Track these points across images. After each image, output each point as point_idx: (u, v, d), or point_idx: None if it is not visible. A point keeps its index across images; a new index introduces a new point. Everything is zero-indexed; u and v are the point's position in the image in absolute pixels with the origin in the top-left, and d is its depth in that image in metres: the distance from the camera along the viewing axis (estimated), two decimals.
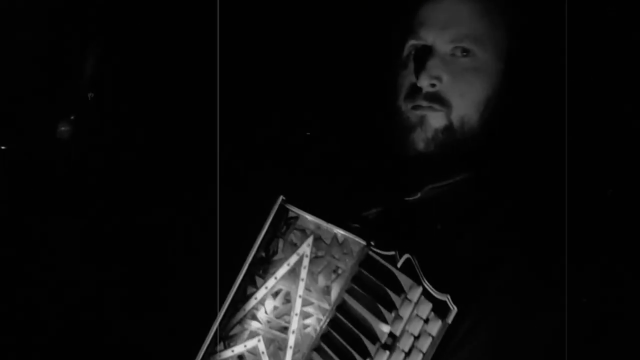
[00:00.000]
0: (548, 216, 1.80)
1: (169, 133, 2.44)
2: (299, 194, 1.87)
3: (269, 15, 2.45)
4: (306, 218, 1.85)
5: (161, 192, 2.37)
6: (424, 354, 1.62)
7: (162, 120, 2.45)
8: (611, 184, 1.88)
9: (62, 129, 2.41)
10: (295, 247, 1.85)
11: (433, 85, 1.91)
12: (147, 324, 2.23)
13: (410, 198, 1.97)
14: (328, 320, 1.80)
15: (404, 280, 1.69)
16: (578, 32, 2.01)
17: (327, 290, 1.82)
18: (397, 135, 1.99)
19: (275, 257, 1.87)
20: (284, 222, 1.87)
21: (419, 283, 1.66)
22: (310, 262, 1.83)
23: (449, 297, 1.60)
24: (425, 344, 1.62)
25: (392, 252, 1.73)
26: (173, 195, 2.36)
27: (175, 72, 2.46)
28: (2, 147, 2.35)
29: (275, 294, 1.86)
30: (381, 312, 1.69)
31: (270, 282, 1.85)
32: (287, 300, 1.86)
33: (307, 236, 1.84)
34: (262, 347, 1.85)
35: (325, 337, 1.80)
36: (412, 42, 1.99)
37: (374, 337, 1.69)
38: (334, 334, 1.78)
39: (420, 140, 1.94)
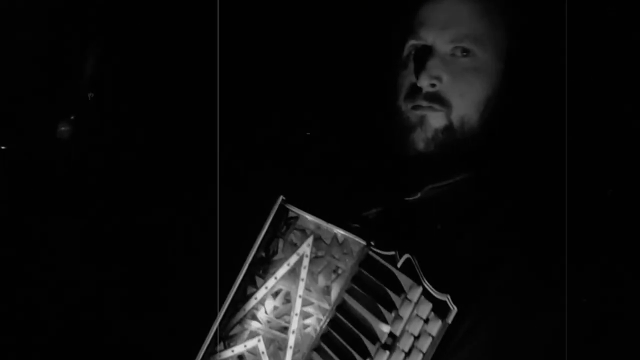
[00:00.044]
0: (548, 216, 1.80)
1: (169, 133, 2.44)
2: (299, 194, 1.87)
3: (269, 15, 2.45)
4: (306, 218, 1.85)
5: (161, 192, 2.37)
6: (424, 354, 1.62)
7: (162, 120, 2.45)
8: (611, 184, 1.88)
9: (62, 129, 2.41)
10: (295, 247, 1.85)
11: (433, 85, 1.91)
12: (147, 324, 2.23)
13: (410, 198, 1.97)
14: (328, 320, 1.80)
15: (404, 280, 1.69)
16: (578, 32, 2.01)
17: (327, 290, 1.82)
18: (397, 135, 1.99)
19: (275, 257, 1.87)
20: (284, 222, 1.87)
21: (419, 283, 1.66)
22: (310, 262, 1.83)
23: (449, 297, 1.60)
24: (425, 344, 1.62)
25: (392, 252, 1.73)
26: (173, 195, 2.36)
27: (175, 72, 2.46)
28: (2, 147, 2.35)
29: (275, 294, 1.86)
30: (381, 312, 1.69)
31: (270, 282, 1.85)
32: (287, 300, 1.86)
33: (307, 236, 1.84)
34: (262, 347, 1.85)
35: (325, 337, 1.80)
36: (412, 42, 1.99)
37: (374, 337, 1.69)
38: (334, 334, 1.78)
39: (420, 140, 1.94)
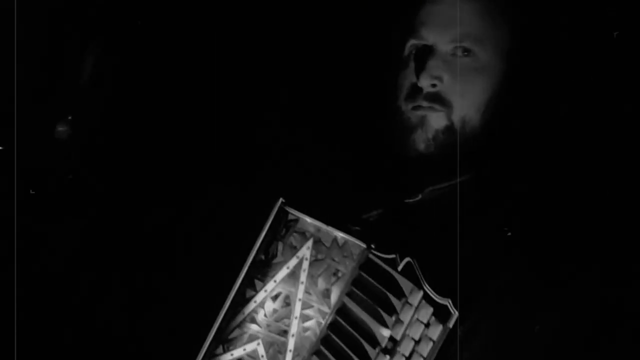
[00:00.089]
0: (548, 216, 1.79)
1: (169, 133, 2.43)
2: (299, 196, 1.87)
3: (269, 14, 2.44)
4: (306, 221, 1.85)
5: (161, 192, 2.37)
6: (424, 359, 1.62)
7: (162, 120, 2.44)
8: (611, 184, 1.88)
9: (60, 129, 2.40)
10: (294, 250, 1.85)
11: (434, 86, 1.91)
12: (147, 324, 2.23)
13: (411, 200, 1.97)
14: (328, 323, 1.81)
15: (405, 283, 1.69)
16: (578, 32, 2.01)
17: (327, 294, 1.83)
18: (398, 135, 1.99)
19: (275, 260, 1.86)
20: (283, 225, 1.86)
21: (420, 287, 1.66)
22: (310, 265, 1.83)
23: (450, 301, 1.60)
24: (426, 348, 1.62)
25: (393, 255, 1.73)
26: (173, 195, 2.36)
27: (175, 72, 2.45)
28: (0, 147, 2.35)
29: (275, 297, 1.86)
30: (381, 316, 1.70)
31: (270, 285, 1.85)
32: (287, 303, 1.86)
33: (306, 239, 1.84)
34: (261, 350, 1.85)
35: (325, 340, 1.80)
36: (412, 41, 1.99)
37: (374, 341, 1.70)
38: (334, 337, 1.79)
39: (421, 140, 1.93)
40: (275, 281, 1.85)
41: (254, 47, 2.44)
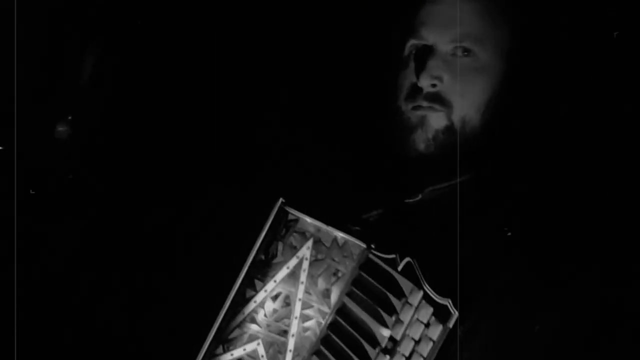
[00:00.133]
0: (548, 216, 1.79)
1: (169, 133, 2.43)
2: (299, 196, 1.87)
3: (268, 14, 2.44)
4: (306, 221, 1.85)
5: (161, 192, 2.37)
6: (424, 359, 1.62)
7: (162, 120, 2.44)
8: (611, 184, 1.88)
9: (60, 129, 2.40)
10: (294, 250, 1.85)
11: (434, 86, 1.91)
12: (147, 324, 2.23)
13: (411, 200, 1.97)
14: (328, 323, 1.81)
15: (405, 283, 1.69)
16: (578, 32, 2.01)
17: (327, 294, 1.83)
18: (398, 135, 1.99)
19: (275, 260, 1.86)
20: (283, 225, 1.86)
21: (420, 287, 1.66)
22: (310, 265, 1.83)
23: (450, 301, 1.60)
24: (426, 348, 1.62)
25: (393, 255, 1.73)
26: (173, 195, 2.36)
27: (175, 72, 2.45)
28: (1, 148, 2.35)
29: (275, 297, 1.86)
30: (381, 316, 1.70)
31: (270, 285, 1.85)
32: (287, 303, 1.86)
33: (306, 239, 1.84)
34: (261, 350, 1.85)
35: (325, 340, 1.80)
36: (412, 41, 1.98)
37: (374, 341, 1.70)
38: (334, 337, 1.79)
39: (421, 140, 1.93)
40: (275, 281, 1.85)
41: (254, 47, 2.44)
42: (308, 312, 1.83)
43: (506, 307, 1.72)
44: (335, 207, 1.90)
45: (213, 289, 1.91)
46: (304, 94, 2.43)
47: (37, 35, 2.37)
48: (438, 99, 1.91)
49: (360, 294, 1.76)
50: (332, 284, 1.82)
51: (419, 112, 1.93)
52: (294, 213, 1.85)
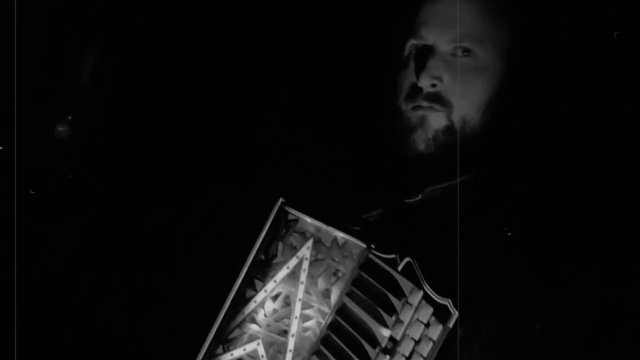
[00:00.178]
0: (548, 216, 1.79)
1: (169, 133, 2.43)
2: (299, 196, 1.87)
3: (268, 14, 2.44)
4: (306, 221, 1.85)
5: (161, 192, 2.37)
6: (424, 359, 1.62)
7: (162, 120, 2.44)
8: (611, 184, 1.88)
9: (60, 129, 2.40)
10: (294, 250, 1.85)
11: (434, 86, 1.91)
12: (147, 324, 2.23)
13: (411, 200, 1.97)
14: (328, 323, 1.80)
15: (405, 283, 1.69)
16: (578, 32, 2.01)
17: (327, 294, 1.83)
18: (398, 135, 1.98)
19: (275, 260, 1.86)
20: (283, 225, 1.86)
21: (420, 287, 1.66)
22: (310, 265, 1.83)
23: (450, 301, 1.60)
24: (426, 348, 1.62)
25: (393, 255, 1.73)
26: (173, 195, 2.36)
27: (175, 72, 2.45)
28: (1, 148, 2.35)
29: (275, 297, 1.86)
30: (381, 316, 1.70)
31: (270, 285, 1.85)
32: (287, 303, 1.86)
33: (306, 239, 1.84)
34: (261, 350, 1.85)
35: (325, 340, 1.80)
36: (412, 41, 1.98)
37: (374, 341, 1.70)
38: (334, 337, 1.79)
39: (421, 140, 1.93)
40: (275, 281, 1.85)
41: (254, 47, 2.44)
42: (308, 312, 1.83)
43: (506, 307, 1.72)
44: (335, 207, 1.90)
45: (213, 289, 1.91)
46: (304, 94, 2.43)
47: (37, 35, 2.37)
48: (438, 99, 1.91)
49: (360, 294, 1.76)
50: (332, 284, 1.82)
51: (419, 112, 1.93)
52: (294, 213, 1.85)
